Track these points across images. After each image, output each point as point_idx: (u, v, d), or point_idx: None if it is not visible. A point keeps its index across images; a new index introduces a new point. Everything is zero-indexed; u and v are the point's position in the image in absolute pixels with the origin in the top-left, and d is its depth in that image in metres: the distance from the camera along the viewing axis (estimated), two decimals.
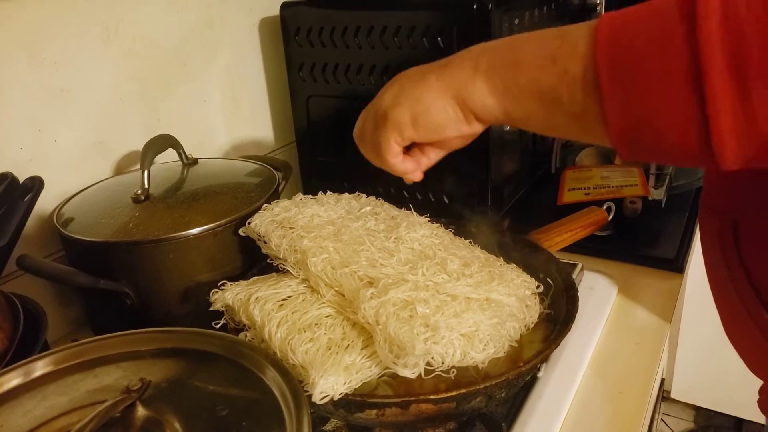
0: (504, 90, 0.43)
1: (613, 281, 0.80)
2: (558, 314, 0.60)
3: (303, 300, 0.57)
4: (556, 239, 0.76)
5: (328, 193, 0.74)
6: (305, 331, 0.53)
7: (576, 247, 0.80)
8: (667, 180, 0.97)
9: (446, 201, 0.88)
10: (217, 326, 0.58)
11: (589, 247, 0.84)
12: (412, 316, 0.50)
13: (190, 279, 0.67)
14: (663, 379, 1.35)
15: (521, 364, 0.51)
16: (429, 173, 0.93)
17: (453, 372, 0.50)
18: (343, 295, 0.56)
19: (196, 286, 0.67)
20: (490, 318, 0.52)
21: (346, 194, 0.74)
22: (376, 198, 0.74)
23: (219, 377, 0.45)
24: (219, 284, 0.60)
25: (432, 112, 0.47)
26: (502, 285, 0.57)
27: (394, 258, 0.59)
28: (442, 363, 0.49)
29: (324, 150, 0.98)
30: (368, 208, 0.70)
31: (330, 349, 0.51)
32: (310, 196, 0.73)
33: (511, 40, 0.44)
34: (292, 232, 0.63)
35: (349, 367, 0.49)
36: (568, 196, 0.95)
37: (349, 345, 0.52)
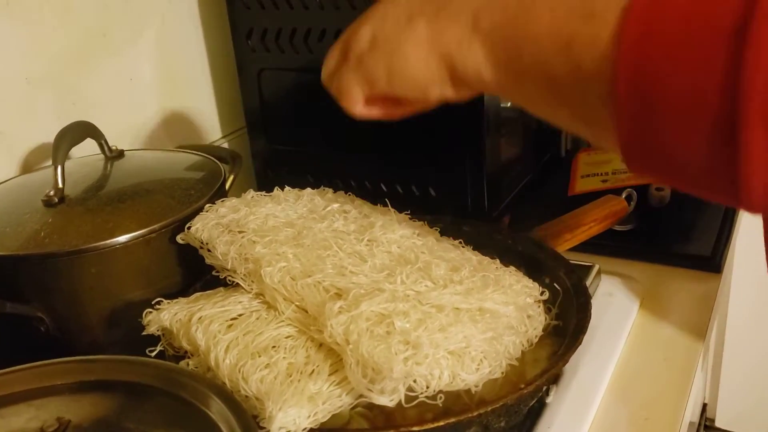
0: (505, 63, 0.43)
1: (637, 286, 0.82)
2: (567, 326, 0.61)
3: (257, 319, 0.59)
4: (565, 236, 0.78)
5: (287, 189, 0.75)
6: (260, 356, 0.54)
7: (590, 246, 0.81)
8: None
9: (432, 194, 0.90)
10: (153, 354, 0.59)
11: (607, 245, 0.86)
12: (389, 332, 0.51)
13: (117, 298, 0.68)
14: (705, 405, 1.38)
15: (522, 386, 0.52)
16: (411, 162, 0.95)
17: (440, 398, 0.51)
18: (306, 311, 0.57)
19: (126, 307, 0.68)
20: (483, 331, 0.53)
21: (309, 190, 0.76)
22: (346, 193, 0.75)
23: (154, 414, 0.46)
24: (153, 303, 0.61)
25: (412, 68, 0.48)
26: (498, 292, 0.58)
27: (367, 264, 0.60)
28: (427, 387, 0.50)
29: (281, 136, 0.99)
30: (335, 205, 0.72)
31: (291, 376, 0.52)
32: (264, 193, 0.74)
33: None
34: (242, 237, 0.64)
35: (314, 396, 0.50)
36: (581, 185, 0.97)
37: (314, 370, 0.53)
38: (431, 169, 0.88)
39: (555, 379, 0.66)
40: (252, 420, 0.44)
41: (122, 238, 0.66)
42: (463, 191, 0.87)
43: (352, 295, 0.55)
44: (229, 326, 0.57)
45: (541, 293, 0.63)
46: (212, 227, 0.66)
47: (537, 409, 0.64)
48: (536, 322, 0.60)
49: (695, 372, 0.72)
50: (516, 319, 0.58)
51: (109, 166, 0.79)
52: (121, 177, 0.77)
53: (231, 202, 0.70)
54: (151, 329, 0.60)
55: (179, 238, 0.68)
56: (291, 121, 0.97)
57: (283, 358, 0.54)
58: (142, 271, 0.68)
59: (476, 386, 0.52)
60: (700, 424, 1.12)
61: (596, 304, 0.76)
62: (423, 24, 0.47)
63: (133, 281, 0.68)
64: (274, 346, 0.55)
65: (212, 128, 1.07)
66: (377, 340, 0.50)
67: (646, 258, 0.86)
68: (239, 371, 0.52)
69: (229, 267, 0.63)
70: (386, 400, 0.49)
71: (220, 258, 0.63)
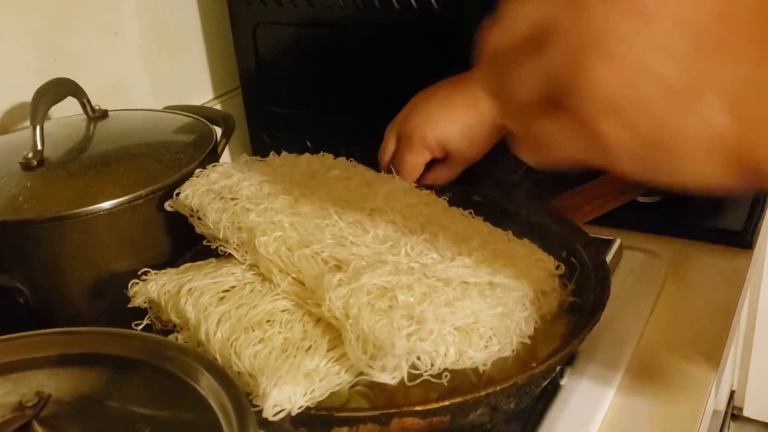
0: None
1: (661, 262, 0.82)
2: (585, 303, 0.62)
3: (251, 291, 0.59)
4: (585, 208, 0.78)
5: (283, 154, 0.76)
6: (254, 330, 0.54)
7: (612, 219, 0.81)
8: None
9: None
10: (140, 328, 0.60)
11: (629, 217, 0.86)
12: (392, 306, 0.52)
13: (102, 269, 0.69)
14: (732, 392, 1.39)
15: (534, 365, 0.53)
16: None
17: (446, 377, 0.51)
18: (303, 284, 0.57)
19: (111, 278, 0.69)
20: (492, 306, 0.54)
21: (307, 155, 0.76)
22: (348, 160, 0.75)
23: (139, 389, 0.47)
24: (140, 274, 0.62)
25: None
26: (510, 265, 0.59)
27: (369, 235, 0.61)
28: (432, 365, 0.50)
29: (279, 98, 0.99)
30: (336, 172, 0.72)
31: (286, 351, 0.53)
32: (258, 158, 0.74)
33: None
34: (235, 205, 0.64)
35: (310, 373, 0.51)
36: None
37: (311, 346, 0.53)
38: None
39: (570, 360, 0.66)
40: (243, 395, 0.44)
41: (106, 205, 0.67)
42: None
43: (353, 267, 0.55)
44: (221, 299, 0.58)
45: (557, 267, 0.63)
46: (203, 194, 0.67)
47: (550, 391, 0.64)
48: (550, 297, 0.61)
49: (722, 356, 0.72)
50: (528, 294, 0.58)
51: (92, 127, 0.80)
52: (104, 139, 0.78)
53: (223, 167, 0.71)
54: (138, 301, 0.61)
55: (167, 205, 0.69)
56: (289, 81, 0.97)
57: (279, 332, 0.54)
58: (127, 240, 0.69)
59: (484, 365, 0.53)
60: (726, 413, 1.12)
61: (617, 280, 0.77)
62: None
63: (118, 251, 0.69)
64: (268, 320, 0.56)
65: (204, 88, 1.08)
66: (379, 315, 0.51)
67: (672, 232, 0.86)
68: (231, 346, 0.53)
69: (221, 236, 0.63)
70: (388, 378, 0.50)
71: (212, 226, 0.64)
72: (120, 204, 0.67)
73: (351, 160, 0.75)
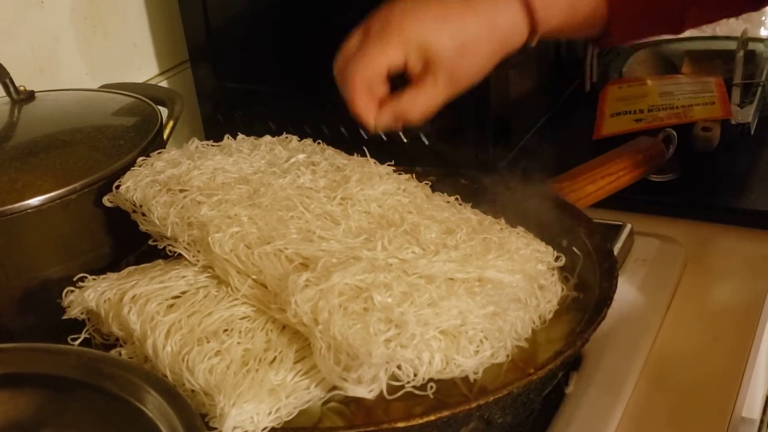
0: None
1: (678, 249, 0.83)
2: (589, 298, 0.62)
3: (205, 296, 0.59)
4: (588, 188, 0.79)
5: (240, 137, 0.76)
6: (209, 341, 0.55)
7: (620, 201, 0.82)
8: (758, 94, 1.01)
9: (425, 141, 0.90)
10: (77, 343, 0.60)
11: (641, 199, 0.87)
12: (367, 308, 0.52)
13: (31, 276, 0.69)
14: None
15: (531, 371, 0.53)
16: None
17: (431, 388, 0.52)
18: (265, 286, 0.58)
19: (42, 287, 0.69)
20: (482, 305, 0.55)
21: (268, 137, 0.76)
22: (315, 142, 0.76)
23: (78, 414, 0.47)
24: (75, 280, 0.62)
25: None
26: (502, 258, 0.59)
27: (340, 227, 0.61)
28: (415, 375, 0.51)
29: (234, 72, 0.99)
30: (301, 156, 0.72)
31: (247, 364, 0.53)
32: (211, 142, 0.74)
33: None
34: (184, 197, 0.65)
35: (276, 389, 0.51)
36: (610, 125, 0.98)
37: (276, 357, 0.54)
38: None
39: (576, 364, 0.67)
40: (197, 416, 0.44)
41: (34, 201, 0.67)
42: (461, 135, 0.88)
43: (322, 265, 0.55)
44: (170, 306, 0.58)
45: (556, 259, 0.64)
46: (147, 185, 0.67)
47: (554, 401, 0.65)
48: (549, 293, 0.62)
49: (750, 355, 0.73)
50: (524, 291, 0.59)
51: (16, 111, 0.79)
52: (31, 125, 0.78)
53: (170, 154, 0.71)
54: (74, 312, 0.61)
55: (106, 200, 0.69)
56: (246, 52, 0.97)
57: (238, 343, 0.55)
58: (60, 242, 0.69)
59: (475, 373, 0.53)
60: (762, 422, 1.13)
61: (628, 271, 0.78)
62: None
63: (49, 254, 0.69)
64: (225, 330, 0.56)
65: (146, 63, 1.07)
66: (352, 319, 0.51)
67: (690, 215, 0.88)
68: (183, 360, 0.53)
69: (168, 234, 0.63)
70: (364, 392, 0.50)
71: (158, 223, 0.64)
72: (50, 200, 0.67)
73: (319, 143, 0.76)
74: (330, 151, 0.75)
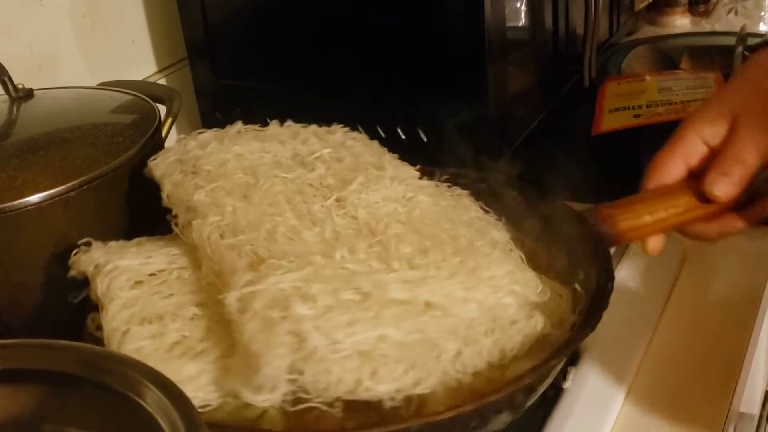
0: None
1: (676, 245, 0.82)
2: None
3: (177, 278, 0.62)
4: (644, 219, 0.68)
5: (287, 123, 0.75)
6: (151, 323, 0.57)
7: (618, 196, 0.82)
8: None
9: (423, 138, 0.91)
10: (76, 300, 0.62)
11: (637, 189, 0.86)
12: (285, 317, 0.52)
13: (30, 272, 0.69)
14: None
15: (471, 401, 0.52)
16: (396, 98, 0.93)
17: (337, 406, 0.52)
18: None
19: (41, 283, 0.69)
20: (408, 332, 0.53)
21: (313, 127, 0.75)
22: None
23: (78, 408, 0.47)
24: (80, 243, 0.64)
25: None
26: (464, 285, 0.57)
27: (315, 229, 0.61)
28: (325, 390, 0.51)
29: (233, 69, 0.99)
30: (326, 151, 0.71)
31: (172, 351, 0.55)
32: (256, 126, 0.74)
33: None
34: (191, 180, 0.66)
35: (184, 381, 0.52)
36: (609, 121, 0.99)
37: (204, 350, 0.55)
38: (421, 106, 0.89)
39: (574, 360, 0.67)
40: (195, 410, 0.44)
41: (34, 198, 0.67)
42: (461, 133, 0.88)
43: (266, 266, 0.56)
44: (139, 282, 0.60)
45: (540, 292, 0.61)
46: (170, 163, 0.69)
47: (552, 396, 0.65)
48: (514, 330, 0.58)
49: (749, 350, 0.73)
50: (479, 323, 0.56)
51: (14, 109, 0.79)
52: (30, 122, 0.78)
53: (204, 135, 0.72)
54: (73, 271, 0.63)
55: (145, 172, 0.69)
56: (244, 50, 0.98)
57: (178, 329, 0.56)
58: (61, 239, 0.69)
59: (392, 399, 0.52)
60: (761, 417, 1.14)
61: (626, 267, 0.78)
62: None
63: (48, 251, 0.69)
64: (175, 314, 0.58)
65: (145, 60, 1.08)
66: (265, 325, 0.51)
67: None
68: (122, 336, 0.55)
69: (173, 212, 0.65)
70: (260, 400, 0.51)
71: (166, 201, 0.66)
72: (50, 197, 0.68)
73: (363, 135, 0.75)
74: (372, 148, 0.73)
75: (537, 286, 0.61)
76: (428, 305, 0.55)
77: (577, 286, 0.63)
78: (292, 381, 0.51)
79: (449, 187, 0.73)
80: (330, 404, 0.51)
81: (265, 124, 0.77)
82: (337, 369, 0.51)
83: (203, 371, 0.53)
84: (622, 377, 0.68)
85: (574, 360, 0.67)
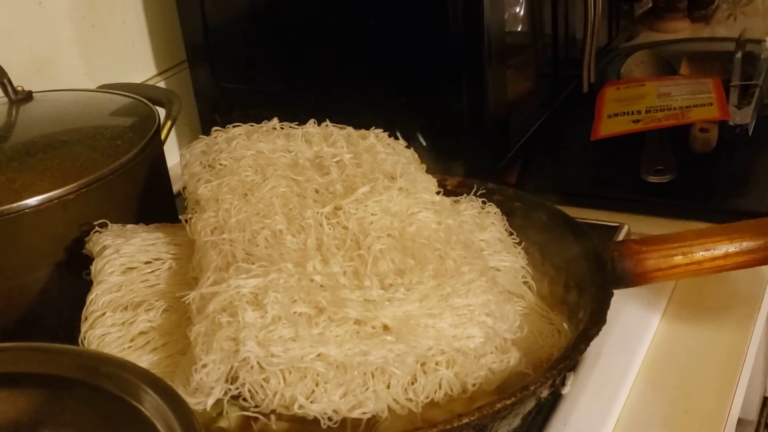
0: None
1: None
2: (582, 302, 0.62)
3: (168, 268, 0.63)
4: (676, 259, 0.64)
5: (324, 123, 0.75)
6: (125, 310, 0.58)
7: (617, 201, 0.82)
8: (756, 95, 1.01)
9: (422, 142, 0.91)
10: (88, 277, 0.63)
11: (638, 200, 0.87)
12: (231, 322, 0.52)
13: (29, 275, 0.69)
14: (766, 399, 1.40)
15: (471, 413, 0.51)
16: (395, 102, 0.93)
17: (272, 419, 0.52)
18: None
19: (40, 286, 0.69)
20: (350, 354, 0.52)
21: (349, 129, 0.74)
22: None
23: (76, 412, 0.47)
24: (96, 223, 0.66)
25: None
26: (431, 311, 0.56)
27: (300, 236, 0.61)
28: (263, 401, 0.51)
29: (232, 72, 0.99)
30: (347, 156, 0.70)
31: (132, 342, 0.56)
32: (295, 124, 0.74)
33: None
34: (206, 173, 0.67)
35: None
36: (608, 127, 0.98)
37: (167, 343, 0.57)
38: (419, 109, 0.88)
39: (573, 365, 0.67)
40: (193, 414, 0.45)
41: (32, 201, 0.67)
42: (459, 137, 0.88)
43: (234, 269, 0.56)
44: (131, 268, 0.62)
45: (515, 327, 0.59)
46: (195, 155, 0.70)
47: (551, 402, 0.64)
48: (479, 364, 0.56)
49: (747, 356, 0.73)
50: (437, 351, 0.55)
51: (14, 111, 0.79)
52: (29, 125, 0.78)
53: (235, 129, 0.73)
54: (84, 249, 0.65)
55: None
56: (243, 52, 0.97)
57: (148, 320, 0.57)
58: (60, 242, 0.69)
59: (328, 421, 0.51)
60: (759, 423, 1.14)
61: None
62: None
63: (47, 254, 0.69)
64: (151, 303, 0.59)
65: (144, 63, 1.07)
66: (211, 329, 0.52)
67: (688, 216, 0.87)
68: (95, 320, 0.57)
69: (185, 203, 0.67)
70: (193, 402, 0.51)
71: (182, 190, 0.68)
72: (48, 199, 0.67)
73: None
74: (403, 155, 0.72)
75: (514, 321, 0.59)
76: (385, 328, 0.54)
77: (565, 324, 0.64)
78: (232, 387, 0.51)
79: (484, 203, 0.73)
80: (267, 416, 0.52)
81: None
82: (274, 382, 0.51)
83: (155, 365, 0.54)
84: (620, 383, 0.68)
85: (573, 366, 0.67)
